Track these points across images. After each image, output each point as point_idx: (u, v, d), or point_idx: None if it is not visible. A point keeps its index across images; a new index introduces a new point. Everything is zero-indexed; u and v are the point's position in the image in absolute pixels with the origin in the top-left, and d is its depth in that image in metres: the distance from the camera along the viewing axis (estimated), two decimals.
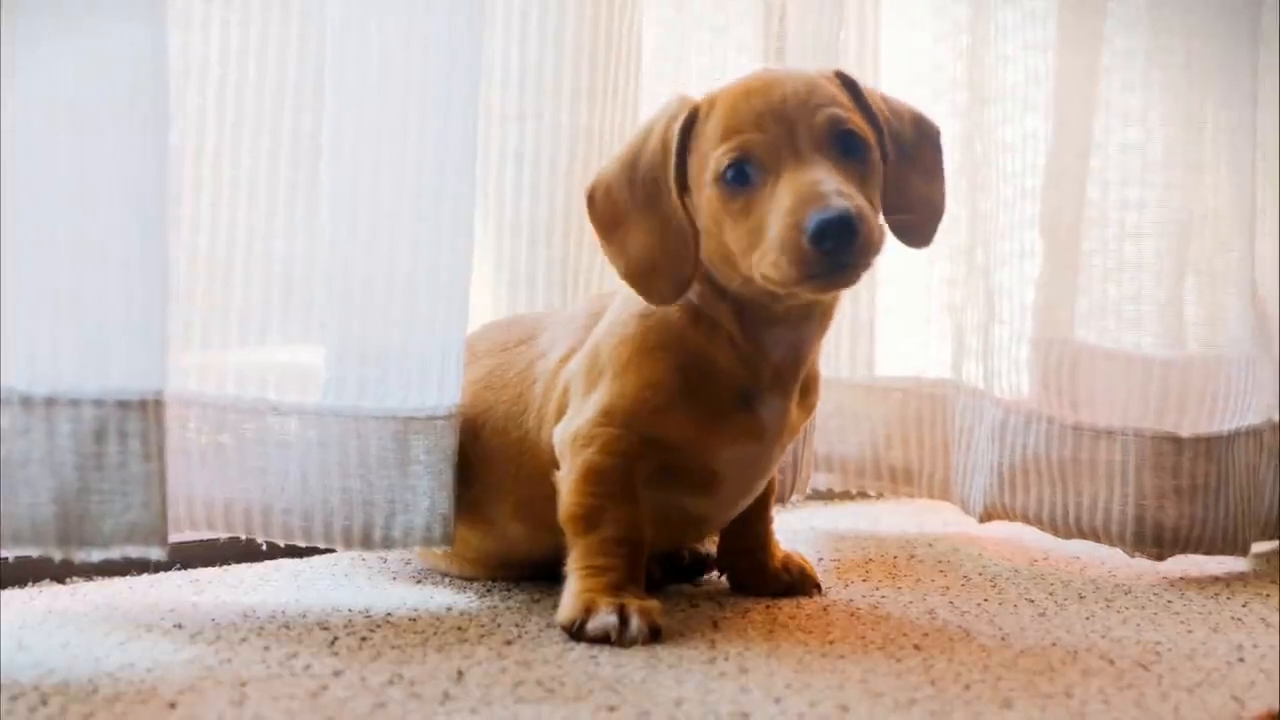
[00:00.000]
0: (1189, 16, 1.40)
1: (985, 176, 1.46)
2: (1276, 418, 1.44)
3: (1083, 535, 1.38)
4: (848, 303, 1.54)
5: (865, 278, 1.51)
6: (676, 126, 1.04)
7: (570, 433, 1.07)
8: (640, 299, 1.07)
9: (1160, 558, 1.36)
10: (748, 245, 1.00)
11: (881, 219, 1.05)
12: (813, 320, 1.08)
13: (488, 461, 1.14)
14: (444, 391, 1.12)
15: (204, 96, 1.11)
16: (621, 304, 1.11)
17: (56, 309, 0.94)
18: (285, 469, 1.10)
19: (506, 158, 1.33)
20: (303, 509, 1.10)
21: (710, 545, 1.25)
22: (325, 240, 1.11)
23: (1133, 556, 1.37)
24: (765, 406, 1.08)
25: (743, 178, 1.00)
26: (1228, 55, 1.41)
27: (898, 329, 1.61)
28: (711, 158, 1.02)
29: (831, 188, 0.97)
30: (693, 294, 1.07)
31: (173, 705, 0.84)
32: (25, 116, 0.93)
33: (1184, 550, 1.35)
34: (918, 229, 1.10)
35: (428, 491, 1.11)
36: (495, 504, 1.15)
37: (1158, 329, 1.41)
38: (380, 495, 1.11)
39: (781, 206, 0.97)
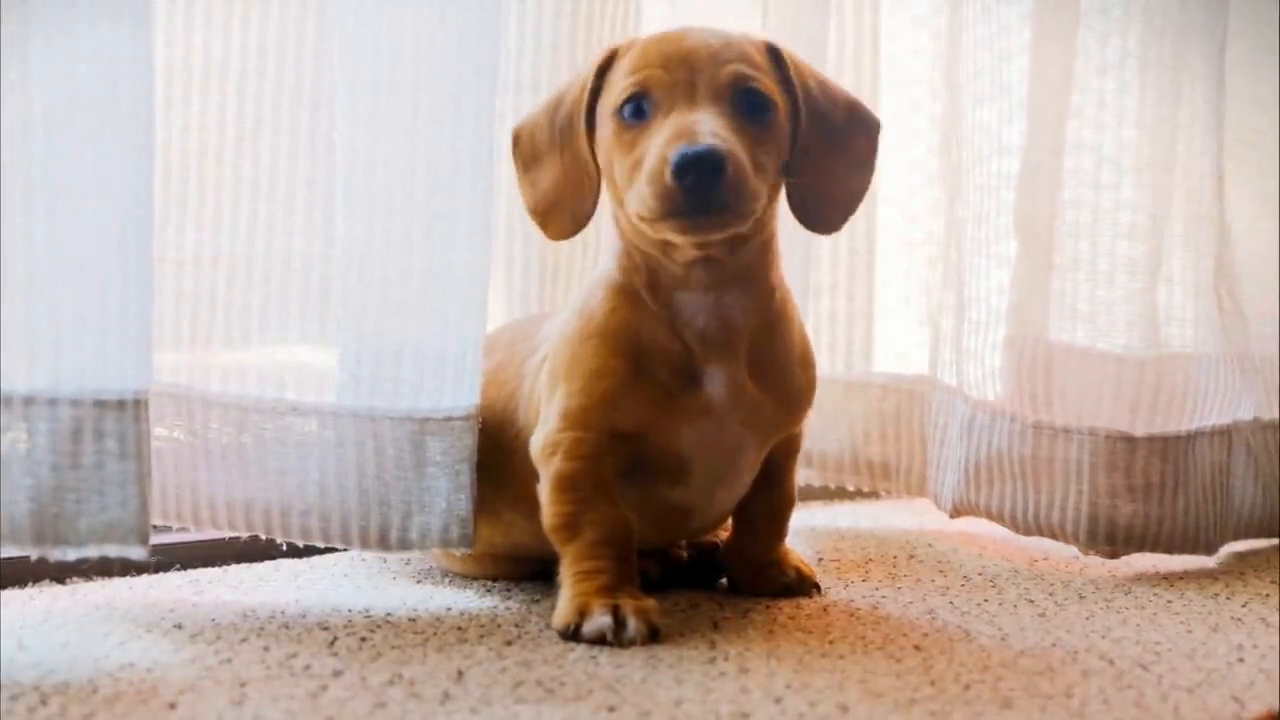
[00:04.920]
0: (1163, 17, 1.39)
1: (963, 179, 1.45)
2: (1269, 416, 1.44)
3: (1041, 532, 1.38)
4: (828, 299, 1.54)
5: (859, 274, 1.55)
6: (594, 68, 1.08)
7: (539, 444, 1.08)
8: (584, 299, 1.10)
9: (1114, 555, 1.36)
10: (628, 182, 1.02)
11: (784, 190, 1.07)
12: (730, 287, 1.07)
13: (492, 453, 1.14)
14: (460, 392, 1.11)
15: (223, 95, 1.12)
16: (566, 306, 1.12)
17: (36, 309, 0.94)
18: (304, 469, 1.10)
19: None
20: (321, 510, 1.11)
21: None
22: (341, 238, 1.11)
23: (1086, 554, 1.37)
24: (709, 380, 1.07)
25: (638, 113, 1.03)
26: (1198, 55, 1.40)
27: (884, 327, 1.61)
28: (613, 92, 1.05)
29: (706, 128, 0.98)
30: (615, 268, 1.09)
31: (173, 705, 0.84)
32: (7, 116, 0.93)
33: (1139, 549, 1.35)
34: (823, 213, 1.10)
35: (444, 493, 1.11)
36: (498, 495, 1.15)
37: (1130, 329, 1.40)
38: (396, 496, 1.11)
39: (657, 141, 1.00)
